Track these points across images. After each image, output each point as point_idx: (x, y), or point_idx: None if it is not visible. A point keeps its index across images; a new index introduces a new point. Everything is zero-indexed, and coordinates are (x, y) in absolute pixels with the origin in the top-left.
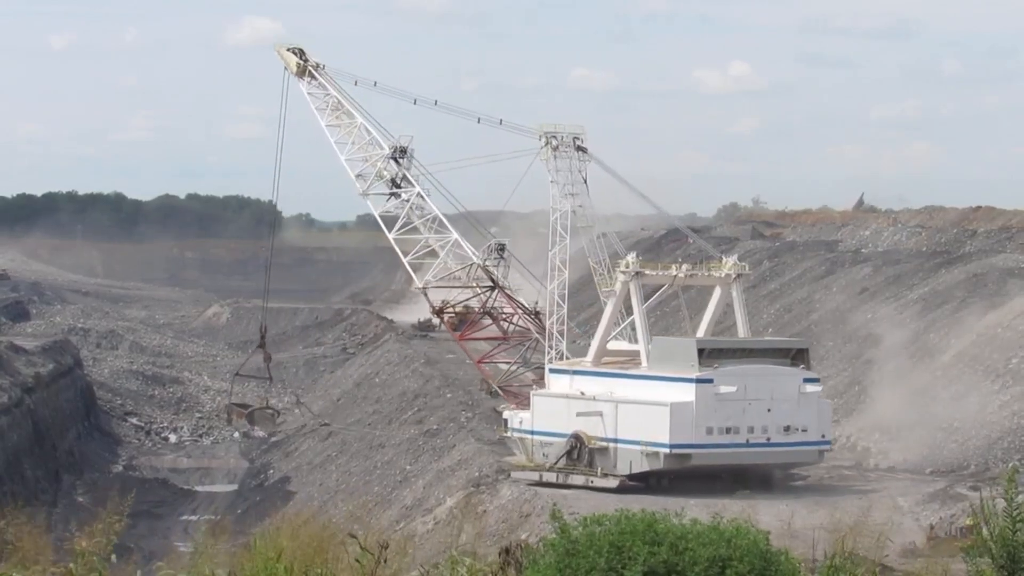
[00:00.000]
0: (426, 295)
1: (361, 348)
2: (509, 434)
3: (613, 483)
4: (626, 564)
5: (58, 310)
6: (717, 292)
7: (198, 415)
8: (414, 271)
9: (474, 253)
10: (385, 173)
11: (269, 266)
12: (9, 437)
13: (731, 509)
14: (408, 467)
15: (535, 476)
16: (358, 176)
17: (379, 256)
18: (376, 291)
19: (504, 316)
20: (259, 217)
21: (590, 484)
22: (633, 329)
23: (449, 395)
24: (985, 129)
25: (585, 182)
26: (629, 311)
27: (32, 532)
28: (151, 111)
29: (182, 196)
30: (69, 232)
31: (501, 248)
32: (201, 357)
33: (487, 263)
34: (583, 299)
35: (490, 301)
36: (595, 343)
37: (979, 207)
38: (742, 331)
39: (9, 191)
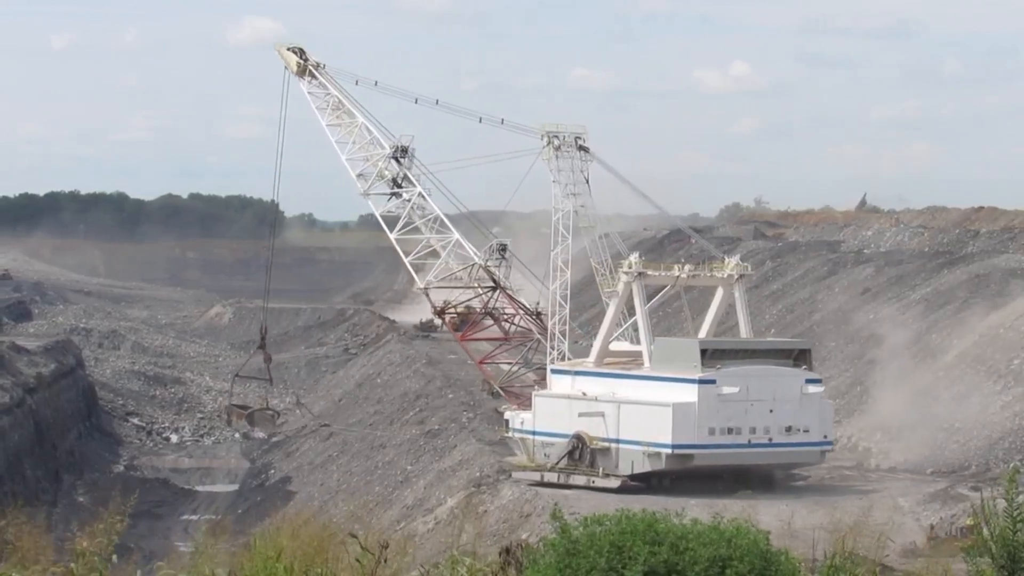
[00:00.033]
0: (428, 295)
1: (363, 348)
2: (510, 434)
3: (615, 483)
4: (626, 564)
5: (60, 310)
6: (719, 293)
7: (199, 415)
8: (416, 271)
9: (476, 253)
10: (386, 173)
11: (270, 266)
12: (10, 437)
13: (731, 509)
14: (409, 467)
15: (536, 476)
16: (359, 176)
17: (381, 256)
18: (378, 291)
19: (506, 316)
20: (261, 217)
21: (591, 484)
22: (635, 330)
23: (451, 395)
24: (985, 129)
25: (587, 182)
26: (631, 312)
27: (32, 532)
28: (151, 111)
29: (184, 196)
30: (71, 232)
31: (503, 248)
32: (203, 357)
33: (489, 263)
34: (585, 299)
35: (492, 301)
36: (597, 344)
37: (981, 207)
38: (744, 332)
39: (9, 191)
